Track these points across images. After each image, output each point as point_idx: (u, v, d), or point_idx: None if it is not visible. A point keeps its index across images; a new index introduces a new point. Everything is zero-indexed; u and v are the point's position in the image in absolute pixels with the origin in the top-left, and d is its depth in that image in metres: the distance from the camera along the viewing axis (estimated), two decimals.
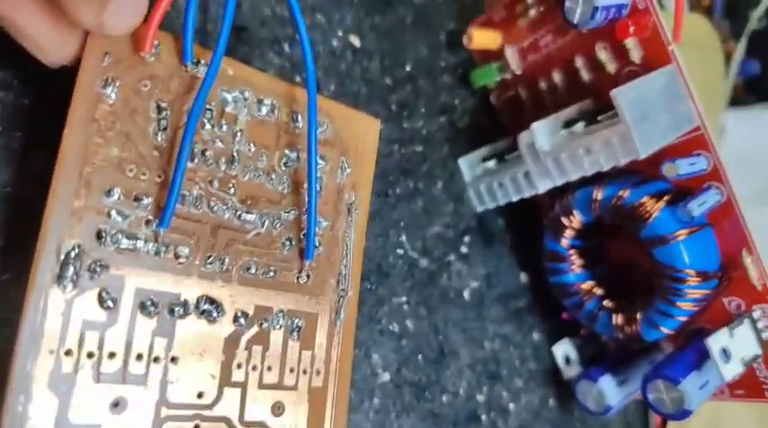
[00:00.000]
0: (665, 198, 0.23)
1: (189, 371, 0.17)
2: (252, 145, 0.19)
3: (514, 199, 0.27)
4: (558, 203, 0.26)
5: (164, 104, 0.18)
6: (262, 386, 0.19)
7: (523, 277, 0.30)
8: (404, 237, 0.25)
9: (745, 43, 0.47)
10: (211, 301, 0.18)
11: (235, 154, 0.19)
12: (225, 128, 0.19)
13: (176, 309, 0.17)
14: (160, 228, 0.17)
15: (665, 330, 0.24)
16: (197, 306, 0.18)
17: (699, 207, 0.23)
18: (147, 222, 0.17)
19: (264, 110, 0.20)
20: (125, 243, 0.17)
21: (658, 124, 0.22)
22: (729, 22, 0.47)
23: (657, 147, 0.22)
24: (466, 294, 0.27)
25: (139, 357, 0.17)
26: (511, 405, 0.27)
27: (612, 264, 0.28)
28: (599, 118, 0.23)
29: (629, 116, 0.21)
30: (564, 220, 0.26)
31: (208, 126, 0.19)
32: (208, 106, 0.19)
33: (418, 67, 0.28)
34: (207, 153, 0.18)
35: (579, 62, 0.27)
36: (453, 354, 0.25)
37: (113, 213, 0.16)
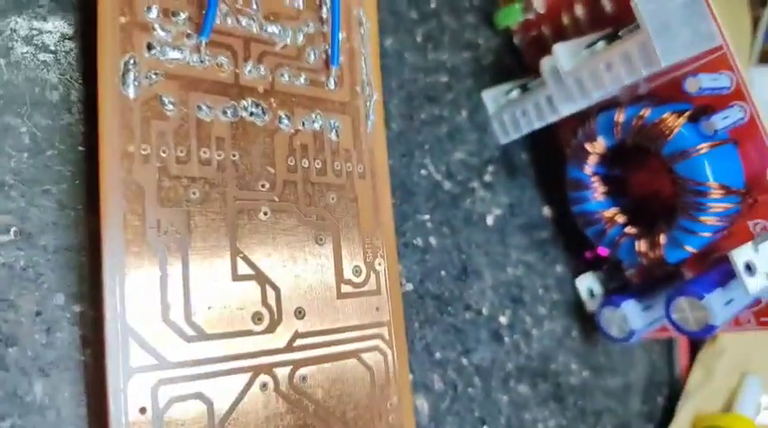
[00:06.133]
0: (687, 113, 0.23)
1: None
2: None
3: (537, 126, 0.27)
4: (580, 130, 0.27)
5: None
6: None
7: (546, 211, 0.30)
8: (428, 159, 0.26)
9: None
10: (257, 105, 0.20)
11: None
12: None
13: (228, 111, 0.19)
14: (201, 38, 0.19)
15: (689, 248, 0.24)
16: (245, 109, 0.20)
17: (722, 121, 0.23)
18: (188, 35, 0.19)
19: None
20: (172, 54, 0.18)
21: (680, 37, 0.23)
22: None
23: (678, 59, 0.22)
24: (489, 220, 0.27)
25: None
26: (534, 331, 0.27)
27: (635, 196, 0.28)
28: (620, 33, 0.24)
29: (649, 24, 0.22)
30: (587, 146, 0.26)
31: None
32: None
33: (443, 4, 0.29)
34: None
35: None
36: (476, 274, 0.26)
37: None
